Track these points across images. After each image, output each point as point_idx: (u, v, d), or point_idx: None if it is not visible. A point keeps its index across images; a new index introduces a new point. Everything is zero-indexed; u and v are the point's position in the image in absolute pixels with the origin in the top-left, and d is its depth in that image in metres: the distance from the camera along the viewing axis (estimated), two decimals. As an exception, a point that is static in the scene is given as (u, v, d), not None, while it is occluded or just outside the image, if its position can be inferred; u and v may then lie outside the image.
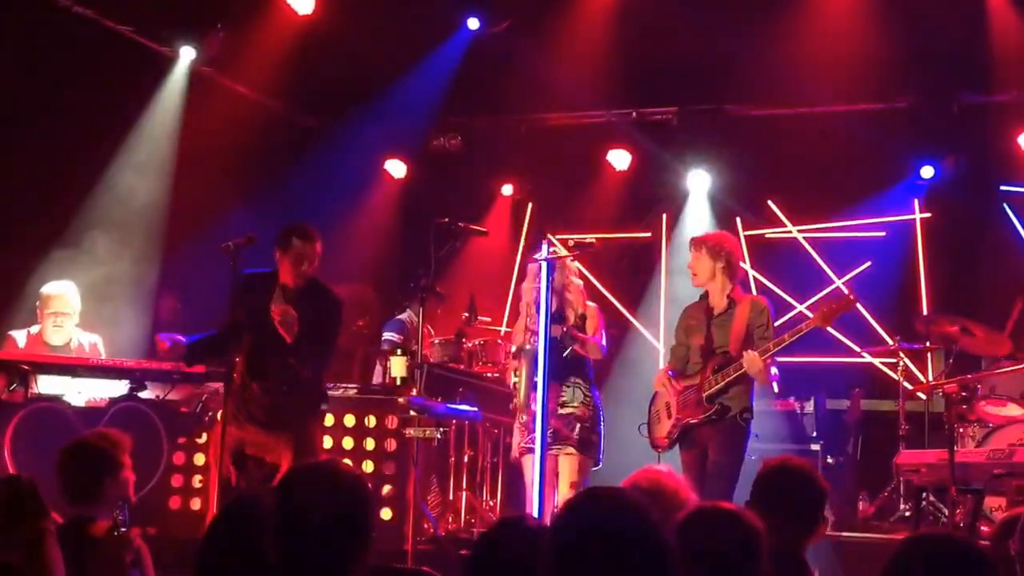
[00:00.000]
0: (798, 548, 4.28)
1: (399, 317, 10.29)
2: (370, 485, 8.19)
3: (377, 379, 9.65)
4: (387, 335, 10.16)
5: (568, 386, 7.45)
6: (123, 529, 4.59)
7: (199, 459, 8.34)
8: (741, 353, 7.22)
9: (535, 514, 6.35)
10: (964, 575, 3.19)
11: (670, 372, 7.54)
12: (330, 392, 8.51)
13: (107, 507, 4.83)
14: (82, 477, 4.93)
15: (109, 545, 4.57)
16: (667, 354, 7.90)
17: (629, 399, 9.23)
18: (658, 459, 7.31)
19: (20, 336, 8.51)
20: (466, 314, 9.81)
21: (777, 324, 7.72)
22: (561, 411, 7.34)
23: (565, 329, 7.35)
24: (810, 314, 9.30)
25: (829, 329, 7.78)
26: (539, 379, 6.69)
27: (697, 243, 7.54)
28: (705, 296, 7.54)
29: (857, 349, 10.85)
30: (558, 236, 9.38)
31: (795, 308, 11.40)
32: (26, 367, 7.83)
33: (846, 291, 7.22)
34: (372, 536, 3.37)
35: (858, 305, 7.47)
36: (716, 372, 7.26)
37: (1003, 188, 11.00)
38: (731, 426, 7.25)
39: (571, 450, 7.29)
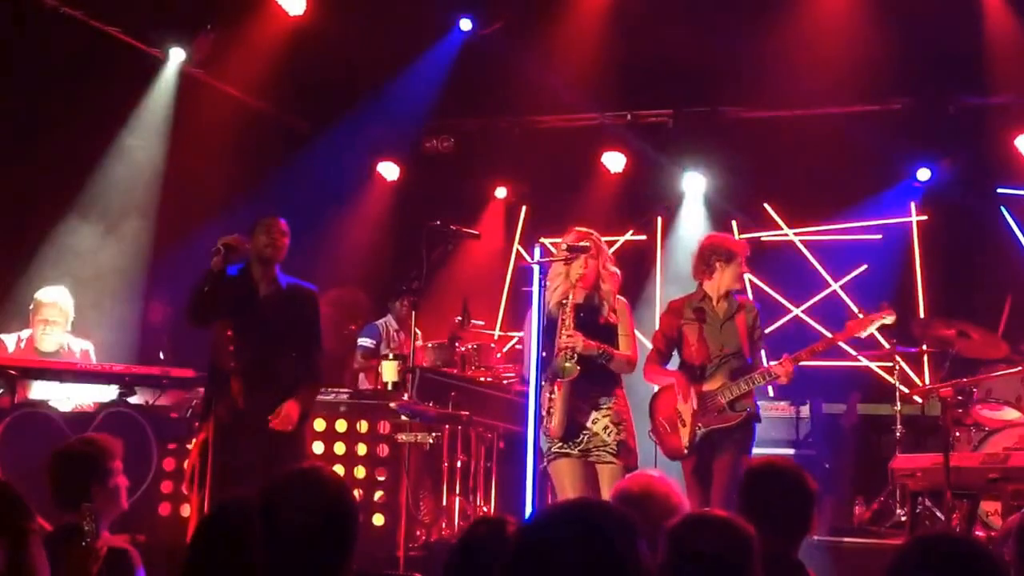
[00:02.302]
0: (791, 550, 4.23)
1: (375, 323, 10.25)
2: (362, 491, 8.26)
3: (362, 386, 9.58)
4: (361, 341, 10.12)
5: (602, 388, 6.91)
6: (88, 540, 4.48)
7: (189, 465, 8.27)
8: (754, 357, 7.17)
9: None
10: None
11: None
12: (322, 397, 8.46)
13: (97, 515, 4.73)
14: (69, 484, 4.82)
15: (77, 556, 4.47)
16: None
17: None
18: (655, 463, 7.22)
19: (10, 340, 8.43)
20: (459, 318, 9.74)
21: (772, 328, 7.68)
22: (595, 414, 6.86)
23: (602, 351, 6.77)
24: (808, 319, 9.29)
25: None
26: (532, 379, 6.57)
27: (736, 256, 7.32)
28: (702, 296, 7.42)
29: (853, 353, 10.79)
30: (551, 239, 9.34)
31: (791, 312, 11.37)
32: (14, 372, 7.76)
33: (853, 304, 7.09)
34: (355, 543, 3.30)
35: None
36: (734, 377, 7.15)
37: (1000, 191, 10.96)
38: (743, 429, 7.17)
39: (609, 457, 6.78)
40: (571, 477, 6.72)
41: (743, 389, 7.10)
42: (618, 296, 7.07)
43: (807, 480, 4.34)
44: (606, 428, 6.80)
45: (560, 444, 6.76)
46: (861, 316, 7.11)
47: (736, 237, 7.62)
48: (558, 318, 6.79)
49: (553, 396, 6.74)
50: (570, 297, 6.79)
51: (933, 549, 3.21)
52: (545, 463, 6.83)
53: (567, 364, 6.65)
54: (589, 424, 6.80)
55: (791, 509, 4.27)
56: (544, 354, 6.80)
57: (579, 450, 6.78)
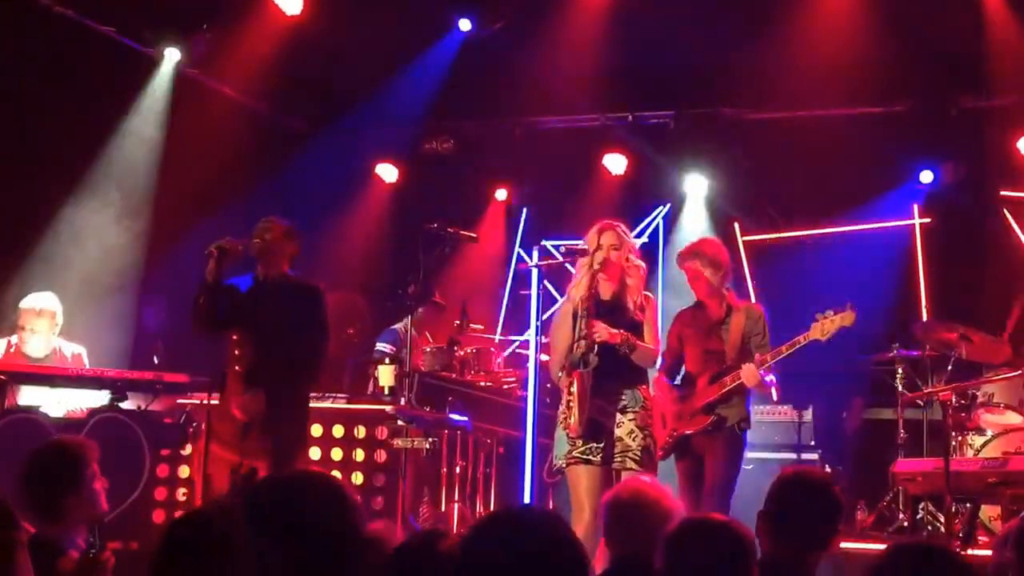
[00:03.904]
0: (803, 560, 4.16)
1: (394, 327, 10.14)
2: (360, 497, 8.17)
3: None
4: (380, 346, 10.03)
5: (628, 389, 6.76)
6: (94, 551, 4.37)
7: (183, 471, 8.20)
8: (738, 362, 7.07)
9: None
10: None
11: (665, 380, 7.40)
12: (319, 403, 8.40)
13: (74, 527, 4.60)
14: (42, 496, 4.59)
15: (83, 571, 4.36)
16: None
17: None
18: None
19: (0, 345, 8.37)
20: (458, 322, 9.68)
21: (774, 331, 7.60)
22: (621, 417, 6.70)
23: (624, 339, 6.61)
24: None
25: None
26: (530, 383, 6.49)
27: (690, 256, 7.31)
28: (701, 303, 7.39)
29: (856, 357, 10.73)
30: (552, 241, 9.28)
31: (793, 315, 11.29)
32: (3, 377, 7.68)
33: (847, 306, 7.01)
34: (361, 550, 3.20)
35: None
36: (713, 382, 7.10)
37: (1002, 193, 10.90)
38: (729, 436, 7.09)
39: (632, 464, 6.60)
40: (588, 486, 6.52)
41: (716, 393, 7.05)
42: (646, 292, 6.95)
43: (834, 491, 4.29)
44: (631, 433, 6.64)
45: (582, 448, 6.58)
46: (826, 317, 7.03)
47: (699, 240, 7.57)
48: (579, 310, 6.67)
49: (572, 390, 6.55)
50: (585, 286, 6.68)
51: (906, 559, 3.22)
52: (564, 463, 6.67)
53: (586, 356, 6.51)
54: (614, 428, 6.63)
55: (813, 519, 4.21)
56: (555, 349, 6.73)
57: (601, 456, 6.59)
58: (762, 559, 4.02)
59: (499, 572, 2.67)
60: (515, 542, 2.69)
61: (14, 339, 8.34)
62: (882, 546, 7.88)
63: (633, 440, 6.61)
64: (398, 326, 10.12)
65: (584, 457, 6.57)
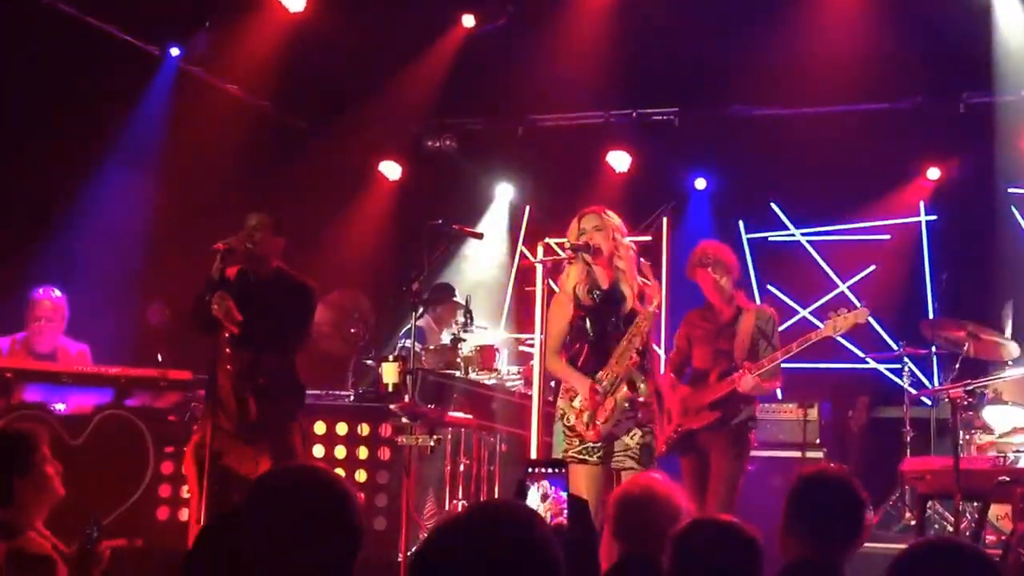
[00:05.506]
0: (838, 562, 4.09)
1: (418, 324, 10.06)
2: (364, 495, 8.14)
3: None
4: (406, 343, 9.95)
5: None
6: (91, 544, 4.33)
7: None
8: (744, 363, 7.06)
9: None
10: None
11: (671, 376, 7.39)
12: (323, 401, 8.36)
13: (31, 510, 4.55)
14: None
15: (77, 561, 4.33)
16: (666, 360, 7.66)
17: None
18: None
19: (4, 343, 8.35)
20: (461, 319, 9.62)
21: (781, 329, 7.58)
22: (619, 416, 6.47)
23: (635, 397, 6.38)
24: (815, 320, 9.13)
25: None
26: (535, 380, 6.44)
27: (701, 265, 7.29)
28: (710, 304, 7.37)
29: (862, 355, 10.69)
30: (556, 239, 9.23)
31: (798, 313, 11.27)
32: (8, 374, 7.66)
33: (859, 303, 7.00)
34: (355, 544, 3.13)
35: (870, 319, 7.21)
36: (722, 379, 7.09)
37: (1011, 190, 10.87)
38: (734, 433, 7.10)
39: (631, 463, 6.39)
40: (586, 485, 6.34)
41: (724, 390, 7.07)
42: (647, 281, 6.65)
43: (856, 488, 4.23)
44: (630, 431, 6.46)
45: (579, 448, 6.43)
46: (839, 315, 7.01)
47: (705, 246, 7.53)
48: (584, 303, 6.55)
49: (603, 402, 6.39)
50: (577, 275, 6.61)
51: (932, 556, 3.15)
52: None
53: (642, 385, 6.37)
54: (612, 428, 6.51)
55: (838, 518, 4.15)
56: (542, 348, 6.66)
57: (597, 456, 6.43)
58: (795, 563, 3.98)
59: (463, 569, 2.61)
60: (482, 538, 2.62)
61: (19, 336, 8.34)
62: (887, 546, 7.89)
63: (632, 438, 6.44)
64: (421, 322, 10.06)
65: (580, 457, 6.45)
